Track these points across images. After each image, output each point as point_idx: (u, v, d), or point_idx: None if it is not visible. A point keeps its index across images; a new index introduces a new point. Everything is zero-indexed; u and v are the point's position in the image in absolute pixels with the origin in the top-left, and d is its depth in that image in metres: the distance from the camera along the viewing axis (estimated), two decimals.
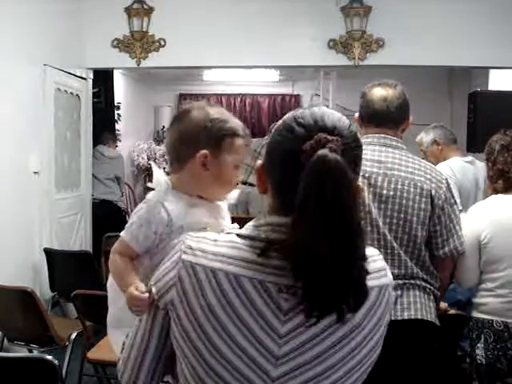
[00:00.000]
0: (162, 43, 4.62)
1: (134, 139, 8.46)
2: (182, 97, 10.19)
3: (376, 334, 0.94)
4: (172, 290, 0.93)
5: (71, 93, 4.49)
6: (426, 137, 3.52)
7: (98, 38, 4.60)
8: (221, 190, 1.28)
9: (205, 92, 10.06)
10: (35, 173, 3.93)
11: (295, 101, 10.12)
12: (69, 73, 4.40)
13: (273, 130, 0.98)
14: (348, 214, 0.84)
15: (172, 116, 1.31)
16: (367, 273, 0.87)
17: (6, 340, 3.15)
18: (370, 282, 0.89)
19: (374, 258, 0.96)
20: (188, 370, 0.93)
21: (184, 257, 0.94)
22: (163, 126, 9.83)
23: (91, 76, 4.82)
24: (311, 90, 9.27)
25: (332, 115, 0.92)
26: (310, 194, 0.83)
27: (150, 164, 1.34)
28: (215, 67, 6.16)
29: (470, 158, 3.47)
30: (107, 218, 5.19)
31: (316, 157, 0.84)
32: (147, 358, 1.00)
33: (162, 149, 8.83)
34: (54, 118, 4.16)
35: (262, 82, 9.68)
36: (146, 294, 1.02)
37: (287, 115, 0.97)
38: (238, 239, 0.94)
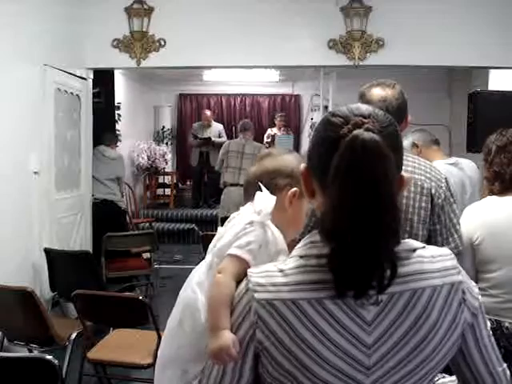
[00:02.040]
0: (162, 43, 4.62)
1: (134, 139, 8.47)
2: (182, 97, 10.20)
3: (453, 335, 0.94)
4: (257, 332, 0.91)
5: (71, 93, 4.49)
6: (405, 141, 3.47)
7: (98, 38, 4.60)
8: (292, 229, 1.33)
9: (205, 92, 10.07)
10: (35, 173, 3.93)
11: (295, 101, 10.12)
12: (69, 73, 4.40)
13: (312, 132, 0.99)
14: (382, 193, 0.84)
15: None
16: (398, 256, 0.88)
17: (6, 340, 3.14)
18: (440, 279, 0.92)
19: (444, 257, 0.96)
20: None
21: (257, 296, 0.92)
22: (163, 126, 9.84)
23: (91, 76, 4.82)
24: (311, 89, 9.28)
25: (367, 106, 0.94)
26: (341, 171, 0.85)
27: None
28: (215, 67, 6.16)
29: (453, 159, 3.31)
30: (107, 218, 5.19)
31: (350, 136, 0.86)
32: None
33: (162, 148, 8.85)
34: (54, 118, 4.16)
35: (262, 82, 9.68)
36: (238, 353, 0.95)
37: (323, 116, 0.98)
38: (303, 261, 0.93)
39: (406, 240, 0.95)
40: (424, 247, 0.97)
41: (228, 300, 1.00)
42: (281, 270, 0.93)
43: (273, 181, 1.29)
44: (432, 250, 0.97)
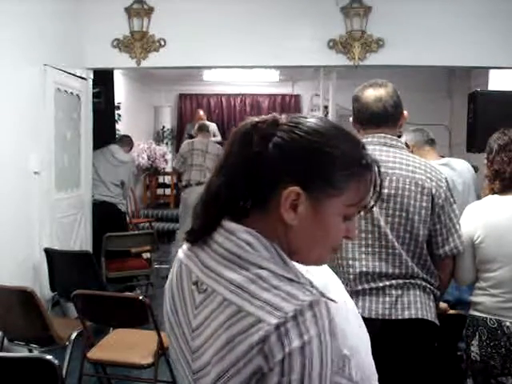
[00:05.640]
0: (162, 43, 4.62)
1: (133, 139, 8.44)
2: (182, 97, 10.20)
3: (223, 360, 0.81)
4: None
5: (71, 93, 4.49)
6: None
7: (98, 38, 4.60)
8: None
9: (205, 92, 10.07)
10: (35, 173, 3.92)
11: (295, 101, 10.12)
12: (69, 73, 4.40)
13: None
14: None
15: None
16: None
17: (6, 340, 3.14)
18: (227, 293, 0.83)
19: (282, 293, 0.79)
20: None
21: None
22: (163, 126, 9.84)
23: (91, 76, 4.81)
24: (311, 90, 9.28)
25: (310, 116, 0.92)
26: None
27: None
28: (215, 67, 6.16)
29: (445, 160, 3.28)
30: (106, 218, 5.15)
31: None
32: None
33: (162, 148, 8.85)
34: (54, 118, 4.15)
35: (262, 82, 9.68)
36: None
37: None
38: None
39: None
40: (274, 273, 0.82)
41: None
42: None
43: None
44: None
